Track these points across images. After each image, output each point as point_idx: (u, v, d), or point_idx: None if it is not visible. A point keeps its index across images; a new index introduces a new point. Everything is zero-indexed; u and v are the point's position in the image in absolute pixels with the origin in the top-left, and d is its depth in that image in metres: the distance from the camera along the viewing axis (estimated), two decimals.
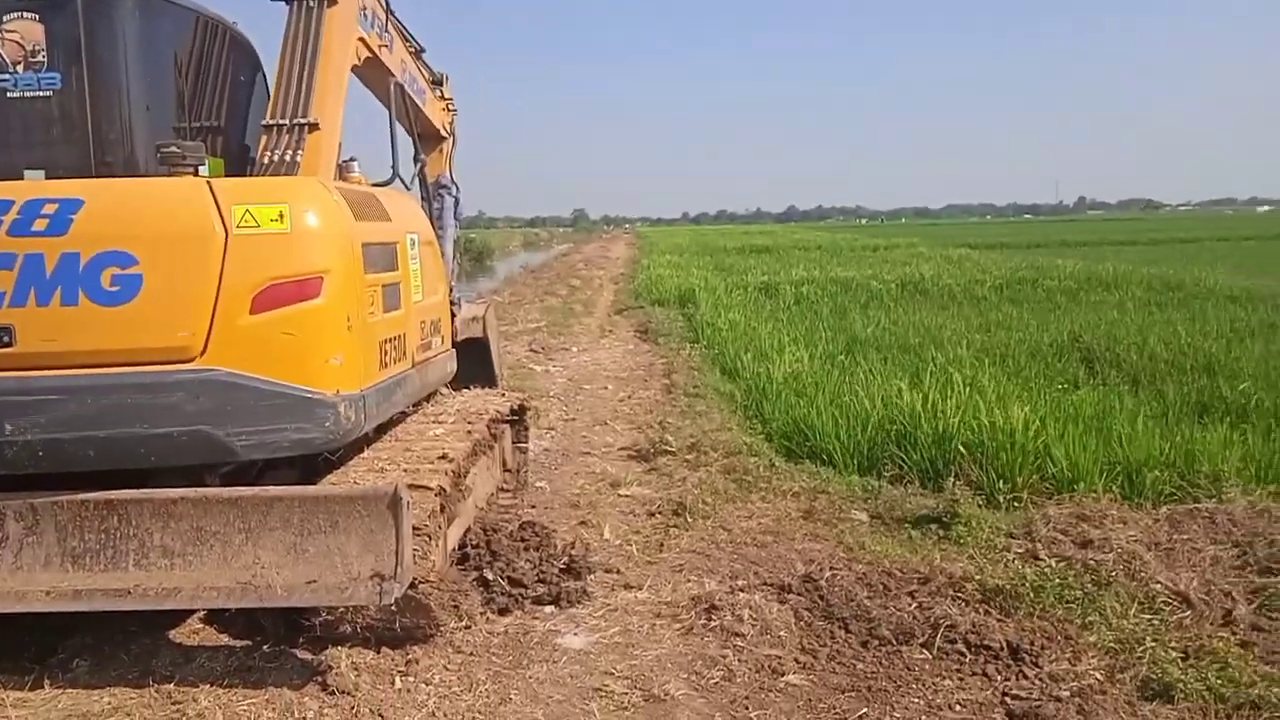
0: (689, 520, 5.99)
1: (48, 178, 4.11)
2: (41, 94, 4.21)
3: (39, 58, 4.22)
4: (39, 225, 3.69)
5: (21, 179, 4.08)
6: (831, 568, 5.05)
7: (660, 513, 6.19)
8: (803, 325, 13.90)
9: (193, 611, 4.48)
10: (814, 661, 4.14)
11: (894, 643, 4.25)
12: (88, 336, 3.71)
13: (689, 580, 5.07)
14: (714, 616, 4.52)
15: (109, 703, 3.80)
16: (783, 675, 4.00)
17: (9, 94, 4.20)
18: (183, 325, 3.74)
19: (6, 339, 3.68)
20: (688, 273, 25.71)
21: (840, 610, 4.55)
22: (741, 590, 4.81)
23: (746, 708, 3.75)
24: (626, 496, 6.67)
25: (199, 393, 3.75)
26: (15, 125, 4.21)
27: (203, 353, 3.76)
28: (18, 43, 4.22)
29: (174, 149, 4.10)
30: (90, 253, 3.68)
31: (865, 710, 3.72)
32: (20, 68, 4.20)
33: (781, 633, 4.36)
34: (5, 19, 4.20)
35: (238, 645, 4.28)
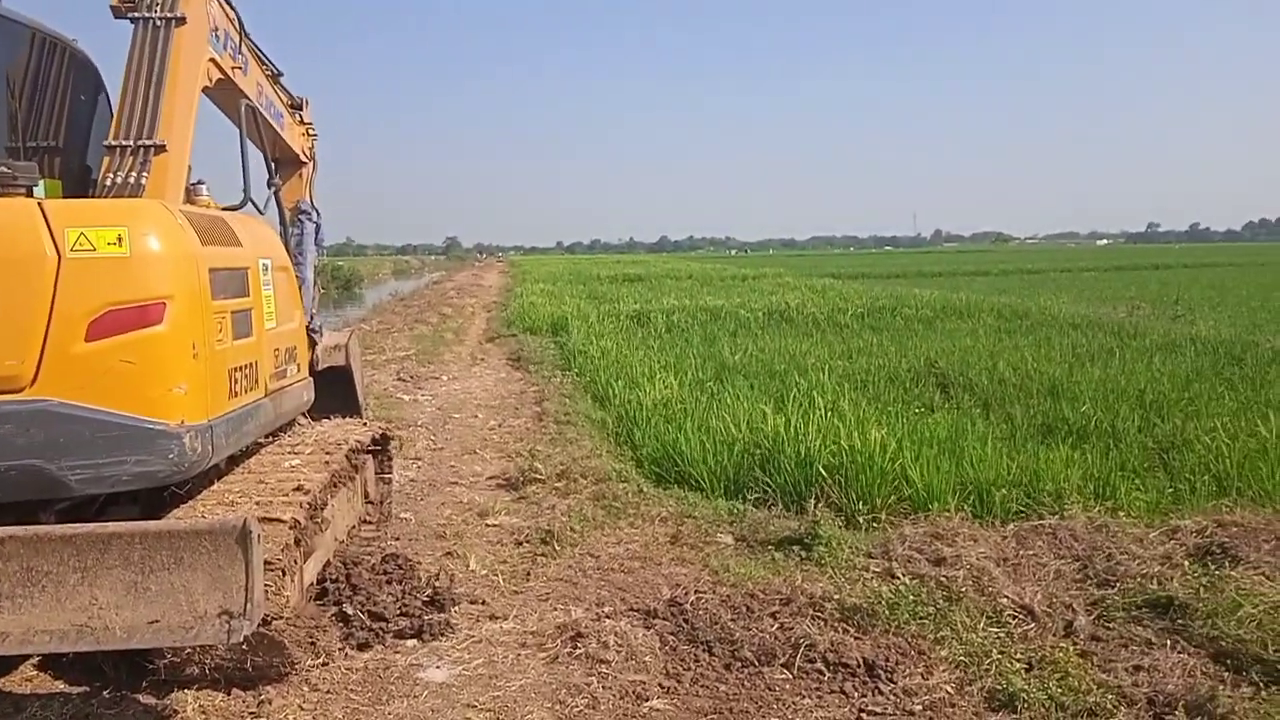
0: (557, 548, 5.95)
1: None
2: None
3: None
4: None
5: None
6: (697, 591, 5.10)
7: (528, 541, 6.14)
8: (673, 352, 14.05)
9: (25, 658, 4.21)
10: (678, 685, 4.16)
11: (756, 664, 4.31)
12: None
13: (555, 609, 5.03)
14: (579, 644, 4.50)
15: None
16: (647, 700, 4.01)
17: None
18: (11, 354, 3.53)
19: None
20: (561, 301, 25.72)
21: (704, 633, 4.59)
22: (608, 617, 4.80)
23: None
24: (494, 526, 6.59)
25: (29, 424, 3.53)
26: None
27: (33, 382, 3.55)
28: None
29: (4, 169, 3.88)
30: None
31: None
32: None
33: (646, 658, 4.37)
34: None
35: (74, 692, 4.04)
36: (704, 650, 4.47)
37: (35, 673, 4.24)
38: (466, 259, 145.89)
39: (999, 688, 3.99)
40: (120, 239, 3.65)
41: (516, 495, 7.33)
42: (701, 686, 4.14)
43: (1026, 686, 3.95)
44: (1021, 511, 6.44)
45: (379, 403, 11.23)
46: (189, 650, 3.86)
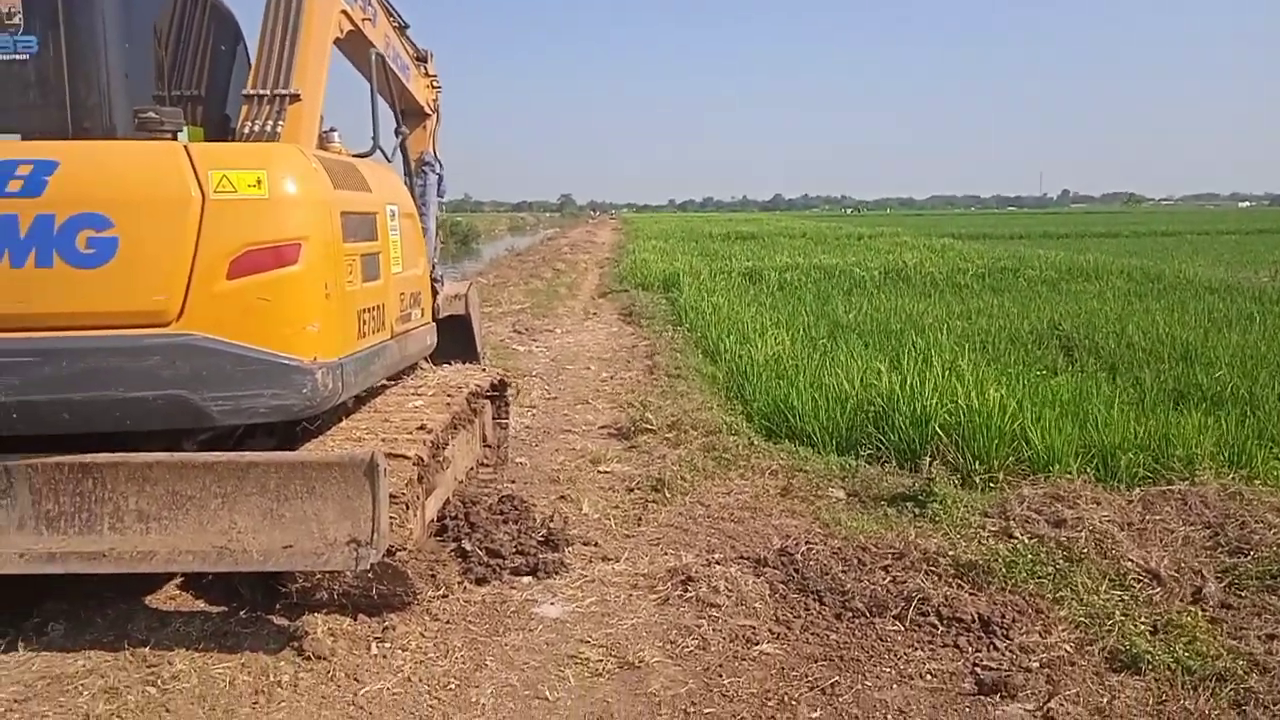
0: (668, 496, 6.02)
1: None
2: (17, 57, 4.17)
3: (15, 20, 4.17)
4: (13, 186, 3.67)
5: None
6: (807, 542, 5.09)
7: (639, 488, 6.22)
8: (785, 310, 13.93)
9: (169, 577, 4.49)
10: (788, 632, 4.18)
11: (867, 614, 4.29)
12: (63, 299, 3.70)
13: (666, 553, 5.09)
14: (690, 588, 4.55)
15: (84, 665, 3.80)
16: (757, 645, 4.04)
17: None
18: (159, 289, 3.73)
19: None
20: (673, 258, 25.71)
21: (815, 583, 4.59)
22: (718, 563, 4.84)
23: (720, 675, 3.78)
24: (606, 473, 6.69)
25: (175, 357, 3.74)
26: None
27: (179, 317, 3.76)
28: None
29: (152, 114, 4.09)
30: (65, 215, 3.67)
31: (837, 679, 3.76)
32: None
33: (756, 604, 4.39)
34: None
35: (214, 611, 4.29)
36: (814, 599, 4.47)
37: (178, 592, 4.51)
38: (580, 216, 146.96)
39: (1122, 648, 3.88)
40: (259, 181, 3.81)
41: (628, 444, 7.42)
42: (812, 634, 4.15)
43: (1151, 649, 3.83)
44: (1148, 477, 6.20)
45: (495, 353, 11.46)
46: (318, 576, 4.04)
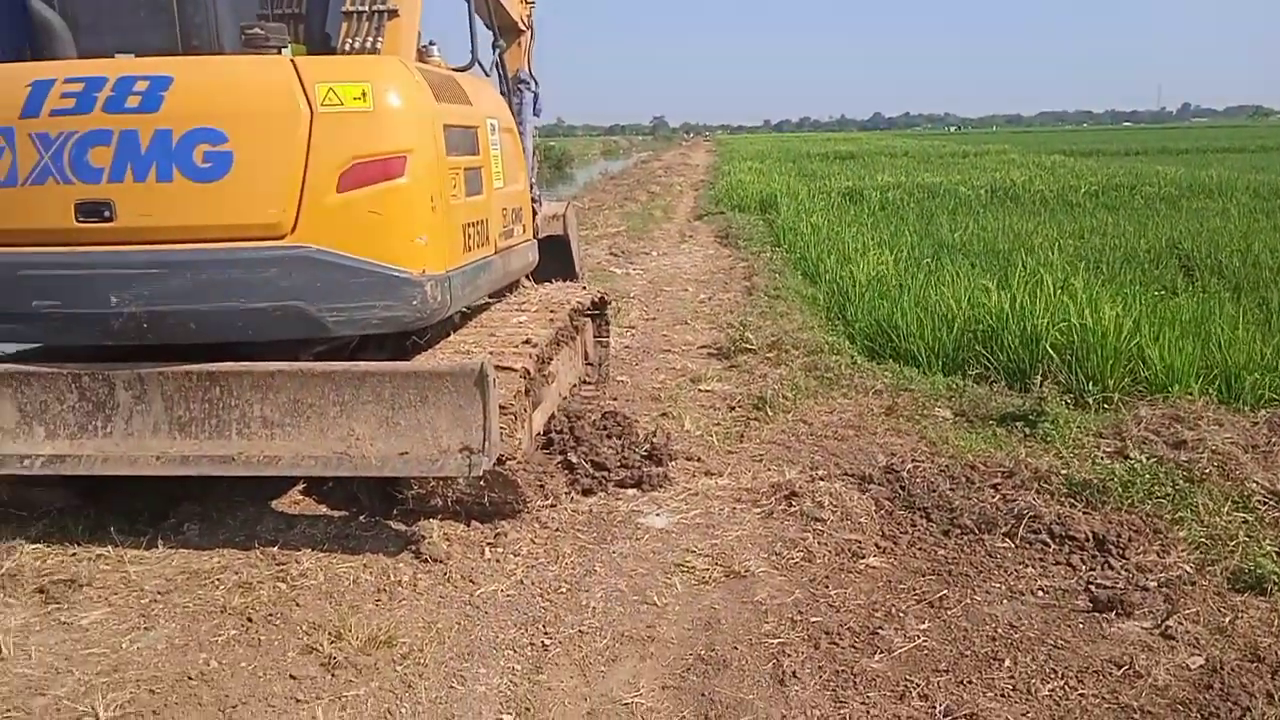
0: (769, 414, 6.00)
1: None
2: None
3: None
4: (132, 102, 3.77)
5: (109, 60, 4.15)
6: (913, 460, 5.03)
7: (740, 406, 6.21)
8: (888, 230, 13.60)
9: (293, 482, 4.69)
10: (894, 547, 4.15)
11: (976, 531, 4.23)
12: (183, 212, 3.81)
13: (769, 469, 5.10)
14: (794, 503, 4.55)
15: (218, 562, 4.02)
16: (863, 558, 4.03)
17: None
18: (273, 202, 3.82)
19: (107, 213, 3.81)
20: (769, 179, 25.28)
21: (922, 500, 4.54)
22: (821, 479, 4.82)
23: (826, 586, 3.79)
24: (707, 391, 6.69)
25: (291, 269, 3.84)
26: (106, 7, 4.25)
27: (293, 230, 3.84)
28: None
29: (258, 30, 4.13)
30: (182, 129, 3.76)
31: (945, 592, 3.73)
32: None
33: (862, 519, 4.37)
34: None
35: (336, 515, 4.47)
36: (921, 516, 4.42)
37: (301, 497, 4.71)
38: (673, 139, 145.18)
39: (1245, 569, 3.76)
40: (364, 94, 3.84)
41: (728, 364, 7.40)
42: (919, 549, 4.12)
43: (1277, 569, 3.69)
44: (1275, 399, 5.94)
45: (592, 275, 11.46)
46: (432, 483, 4.17)
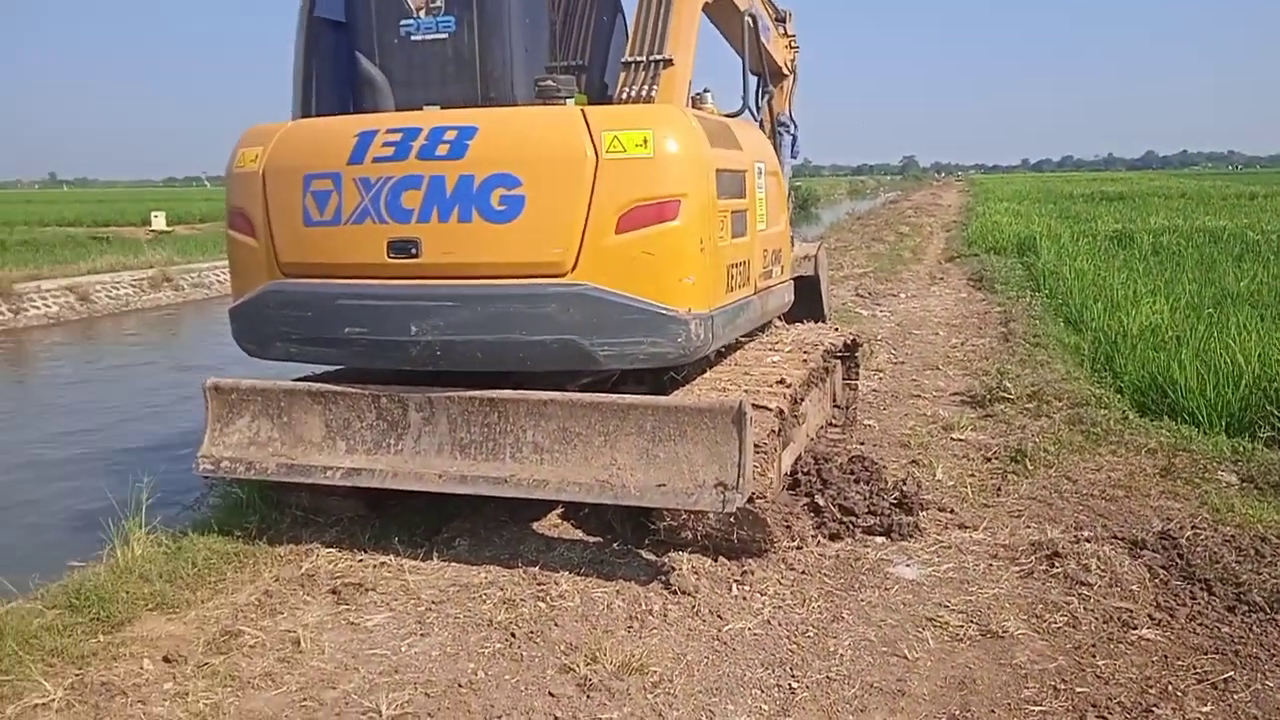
0: (1029, 468, 5.73)
1: None
2: (438, 36, 4.69)
3: (437, 4, 4.69)
4: (441, 150, 4.16)
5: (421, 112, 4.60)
6: (1193, 527, 4.65)
7: (997, 458, 5.98)
8: (1162, 276, 12.65)
9: (552, 506, 4.95)
10: (1171, 620, 3.86)
11: (1267, 610, 3.86)
12: (479, 250, 4.16)
13: (1028, 526, 4.87)
14: (1056, 564, 4.33)
15: (485, 577, 4.31)
16: (1134, 629, 3.77)
17: (412, 37, 4.72)
18: (558, 242, 4.09)
19: (414, 250, 4.22)
20: (1028, 220, 24.13)
21: (1202, 571, 4.20)
22: (1088, 541, 4.55)
23: (1093, 655, 3.58)
24: (959, 440, 6.48)
25: (570, 305, 4.09)
26: (417, 64, 4.73)
27: (573, 268, 4.10)
28: None
29: (550, 83, 4.47)
30: (483, 174, 4.11)
31: (1231, 674, 3.43)
32: (422, 13, 4.70)
33: (1133, 587, 4.10)
34: None
35: (591, 540, 4.68)
36: (1202, 588, 4.09)
37: (559, 521, 4.97)
38: (923, 178, 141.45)
39: None
40: (646, 141, 4.05)
41: (983, 412, 7.14)
42: (1199, 624, 3.81)
43: None
44: None
45: (838, 316, 11.37)
46: (684, 516, 4.28)
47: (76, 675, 3.54)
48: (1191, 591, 4.07)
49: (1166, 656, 3.58)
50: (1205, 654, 3.59)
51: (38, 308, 17.64)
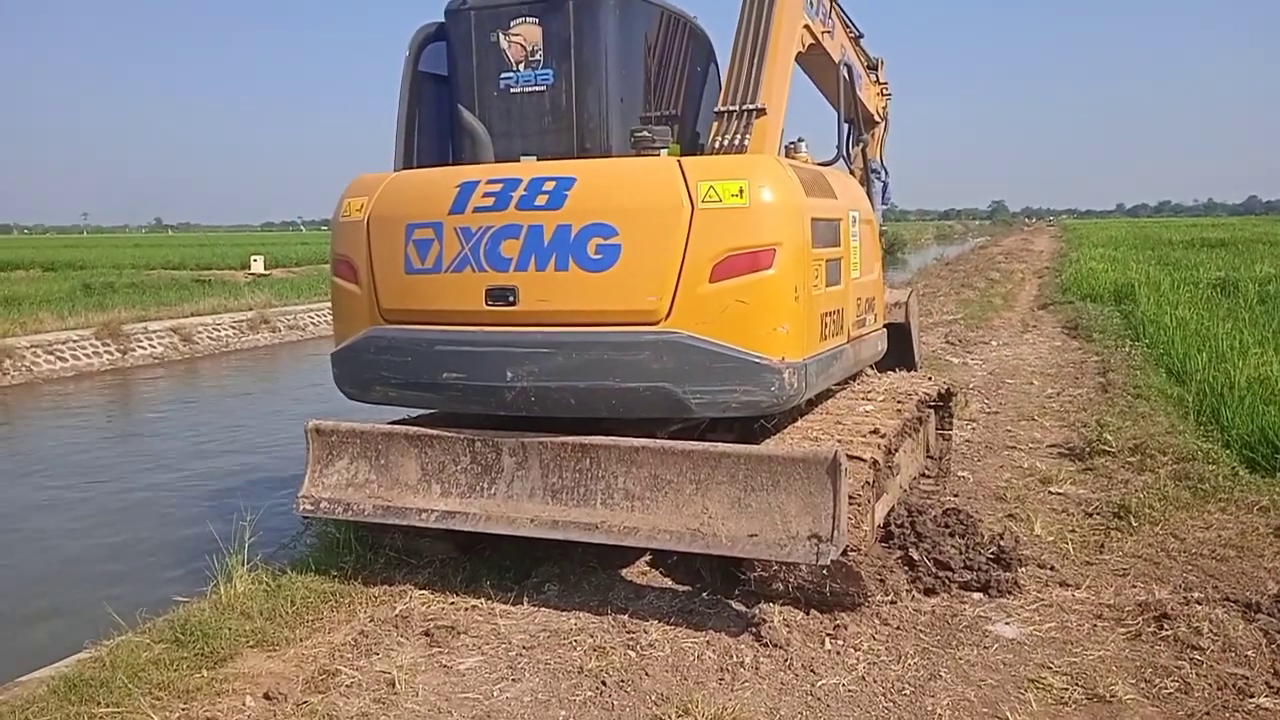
0: (1133, 524, 5.53)
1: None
2: (537, 89, 4.82)
3: (537, 57, 4.82)
4: (540, 200, 4.25)
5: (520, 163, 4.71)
6: None
7: (1098, 514, 5.78)
8: (1271, 326, 12.17)
9: (641, 553, 4.94)
10: None
11: None
12: (574, 298, 4.22)
13: (1134, 585, 4.69)
14: (1165, 626, 4.15)
15: (575, 624, 4.31)
16: (1251, 697, 3.59)
17: (511, 89, 4.85)
18: (652, 290, 4.13)
19: (511, 298, 4.30)
20: (1125, 266, 23.50)
21: None
22: (1198, 603, 4.36)
23: None
24: (1058, 494, 6.30)
25: (663, 353, 4.11)
26: (515, 116, 4.85)
27: (667, 316, 4.12)
28: (520, 44, 4.85)
29: (645, 134, 4.54)
30: (580, 224, 4.18)
31: None
32: (522, 66, 4.84)
33: (1249, 653, 3.91)
34: (512, 23, 4.85)
35: (680, 589, 4.66)
36: None
37: (648, 569, 4.95)
38: (1013, 224, 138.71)
39: None
40: (741, 191, 4.07)
41: (1082, 466, 6.93)
42: None
43: None
44: None
45: (928, 364, 11.18)
46: (775, 567, 4.22)
47: (183, 710, 3.65)
48: None
49: None
50: None
51: (144, 348, 18.42)
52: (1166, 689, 3.67)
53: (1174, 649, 3.98)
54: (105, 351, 17.66)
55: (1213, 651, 3.93)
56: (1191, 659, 3.88)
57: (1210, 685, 3.69)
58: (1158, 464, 6.64)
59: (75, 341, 17.43)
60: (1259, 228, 54.96)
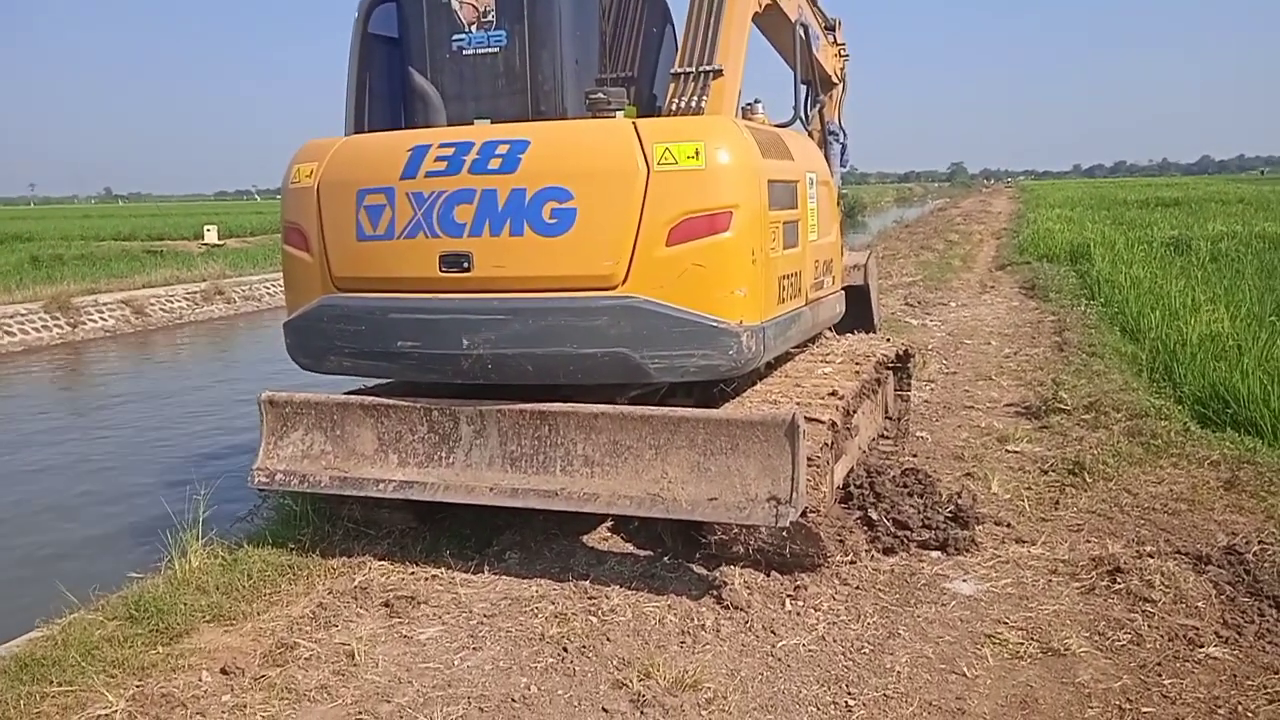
0: (1087, 480, 5.62)
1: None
2: (490, 50, 4.71)
3: (489, 18, 4.71)
4: (494, 164, 4.18)
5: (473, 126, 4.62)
6: (1260, 542, 4.51)
7: (1054, 471, 5.86)
8: (1221, 284, 12.38)
9: (602, 519, 4.93)
10: (1238, 638, 3.74)
11: None
12: (530, 264, 4.16)
13: (1088, 540, 4.76)
14: (1119, 579, 4.22)
15: (536, 591, 4.30)
16: (1201, 647, 3.66)
17: (464, 51, 4.75)
18: (608, 255, 4.08)
19: (466, 264, 4.23)
20: (1080, 227, 23.77)
21: (1270, 587, 4.06)
22: (1150, 556, 4.43)
23: (1159, 674, 3.48)
24: (1015, 452, 6.38)
25: (620, 318, 4.08)
26: (468, 78, 4.75)
27: (624, 281, 4.08)
28: (472, 5, 4.74)
29: (600, 95, 4.46)
30: (535, 188, 4.12)
31: None
32: (474, 28, 4.73)
33: (1199, 604, 3.99)
34: None
35: (641, 554, 4.66)
36: (1270, 605, 3.96)
37: (609, 534, 4.95)
38: (972, 185, 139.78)
39: None
40: (697, 153, 4.03)
41: (1038, 424, 7.02)
42: (1269, 643, 3.69)
43: None
44: None
45: (887, 326, 11.24)
46: (735, 530, 4.23)
47: (138, 687, 3.60)
48: (1259, 608, 3.94)
49: (1235, 675, 3.48)
50: (1275, 673, 3.48)
51: (95, 321, 18.07)
52: (1119, 641, 3.74)
53: (1126, 602, 4.05)
54: (55, 325, 17.32)
55: (1164, 604, 4.00)
56: (1144, 611, 3.96)
57: (1162, 636, 3.76)
58: (1112, 421, 6.73)
59: (23, 315, 17.06)
60: (1211, 187, 55.80)
